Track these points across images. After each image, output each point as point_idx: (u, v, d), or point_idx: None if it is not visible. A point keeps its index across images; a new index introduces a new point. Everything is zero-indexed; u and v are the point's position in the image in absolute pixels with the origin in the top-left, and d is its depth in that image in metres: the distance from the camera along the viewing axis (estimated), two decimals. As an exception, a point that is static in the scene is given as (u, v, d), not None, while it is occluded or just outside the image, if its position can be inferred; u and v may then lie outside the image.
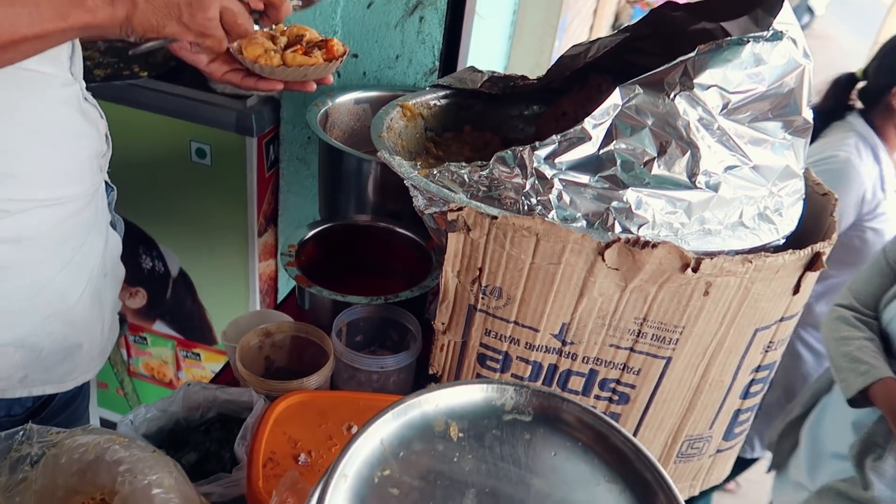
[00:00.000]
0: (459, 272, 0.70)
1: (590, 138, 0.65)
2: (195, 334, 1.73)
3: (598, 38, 0.83)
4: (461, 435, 0.51)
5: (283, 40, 0.88)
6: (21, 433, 0.63)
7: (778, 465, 1.77)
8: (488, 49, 1.67)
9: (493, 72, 0.94)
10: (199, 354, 1.76)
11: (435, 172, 0.71)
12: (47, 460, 0.60)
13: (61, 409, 0.86)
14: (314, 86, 0.88)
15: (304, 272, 0.96)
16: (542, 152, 0.66)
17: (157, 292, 1.68)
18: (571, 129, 0.66)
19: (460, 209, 0.65)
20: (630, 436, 0.51)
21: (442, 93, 0.96)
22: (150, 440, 0.74)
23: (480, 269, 0.69)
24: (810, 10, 7.36)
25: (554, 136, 0.66)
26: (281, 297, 1.70)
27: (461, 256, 0.69)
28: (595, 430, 0.52)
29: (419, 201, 0.71)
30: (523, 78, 0.92)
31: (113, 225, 0.90)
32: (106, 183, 0.87)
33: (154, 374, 1.83)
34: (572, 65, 0.87)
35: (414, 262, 1.06)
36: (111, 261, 0.89)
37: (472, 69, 0.96)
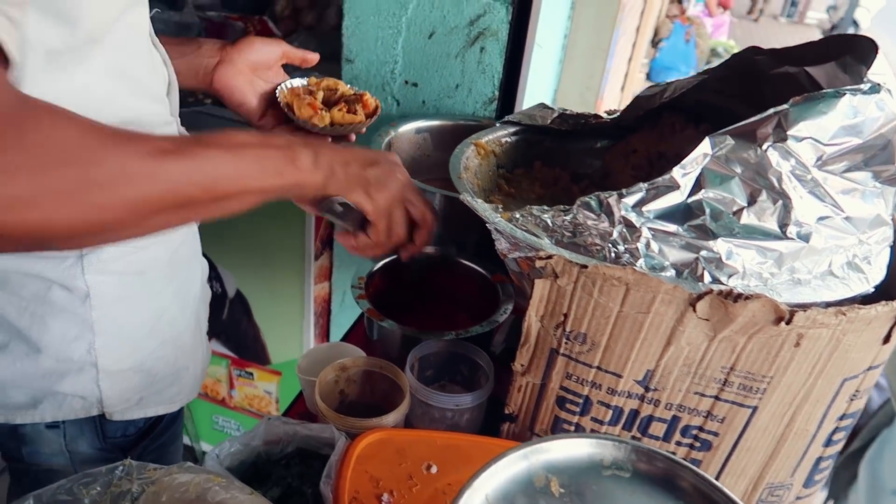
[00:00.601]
0: (543, 317, 0.71)
1: (678, 187, 0.66)
2: (249, 354, 1.76)
3: (675, 80, 0.84)
4: (562, 490, 0.52)
5: (320, 94, 0.96)
6: (120, 469, 0.65)
7: (836, 498, 1.73)
8: (542, 75, 1.68)
9: (564, 109, 0.95)
10: (252, 374, 1.79)
11: (518, 216, 0.72)
12: (148, 497, 0.63)
13: (166, 427, 0.90)
14: (354, 137, 0.97)
15: (372, 303, 0.98)
16: (630, 200, 0.67)
17: (214, 312, 1.71)
18: (659, 178, 0.66)
19: (549, 257, 0.66)
20: (731, 494, 0.51)
21: (512, 129, 0.98)
22: (234, 473, 0.76)
23: (565, 315, 0.69)
24: (855, 23, 7.24)
25: (641, 184, 0.67)
26: (334, 318, 1.72)
27: (546, 302, 0.70)
28: (695, 488, 0.52)
29: (502, 245, 0.72)
30: (596, 117, 0.93)
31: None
32: None
33: (208, 392, 1.87)
34: (647, 105, 0.88)
35: (479, 294, 1.07)
36: (203, 284, 0.93)
37: (543, 106, 0.97)
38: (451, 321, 1.09)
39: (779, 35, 9.51)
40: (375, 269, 1.05)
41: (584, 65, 2.03)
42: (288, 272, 1.60)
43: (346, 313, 1.72)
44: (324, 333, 1.73)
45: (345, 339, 1.09)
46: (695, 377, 0.68)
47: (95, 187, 0.48)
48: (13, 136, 0.44)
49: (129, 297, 0.77)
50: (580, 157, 1.03)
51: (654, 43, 5.97)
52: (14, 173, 0.43)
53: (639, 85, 5.20)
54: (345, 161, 0.68)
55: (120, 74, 0.65)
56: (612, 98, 3.03)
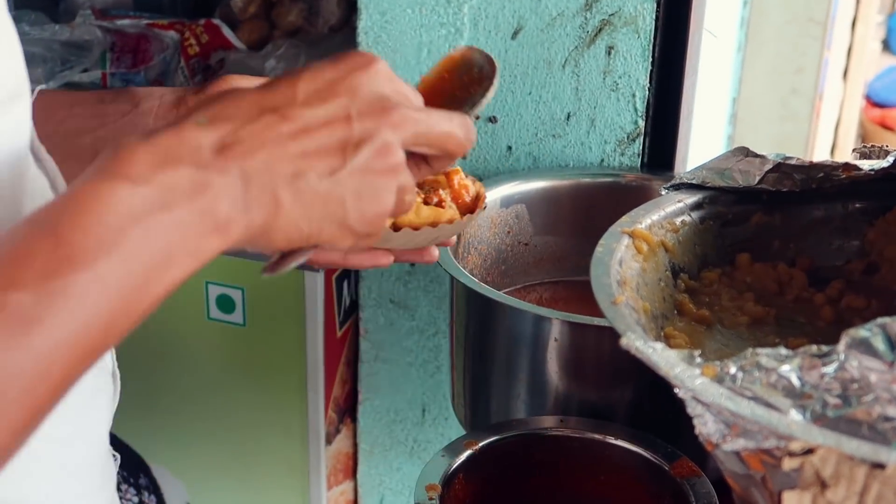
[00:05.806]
0: (801, 556, 0.71)
1: None
2: None
3: None
4: None
5: None
6: None
7: None
8: (713, 81, 1.72)
9: (784, 156, 0.96)
10: None
11: (734, 371, 0.73)
12: None
13: None
14: (436, 254, 0.96)
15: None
16: (948, 331, 0.67)
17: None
18: None
19: (808, 452, 0.66)
20: None
21: (691, 199, 0.99)
22: None
23: (845, 554, 0.69)
24: None
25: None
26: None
27: (805, 530, 0.69)
28: None
29: (708, 427, 0.72)
30: (847, 167, 0.94)
31: None
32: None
33: None
34: (943, 141, 0.89)
35: (646, 495, 1.07)
36: None
37: (742, 151, 0.99)
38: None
39: None
40: (455, 466, 1.06)
41: (783, 50, 2.08)
42: (278, 471, 1.62)
43: (388, 537, 1.72)
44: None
45: None
46: None
47: None
48: None
49: None
50: (821, 237, 1.03)
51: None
52: None
53: (873, 64, 5.21)
54: (296, 170, 0.68)
55: None
56: (834, 95, 3.06)
